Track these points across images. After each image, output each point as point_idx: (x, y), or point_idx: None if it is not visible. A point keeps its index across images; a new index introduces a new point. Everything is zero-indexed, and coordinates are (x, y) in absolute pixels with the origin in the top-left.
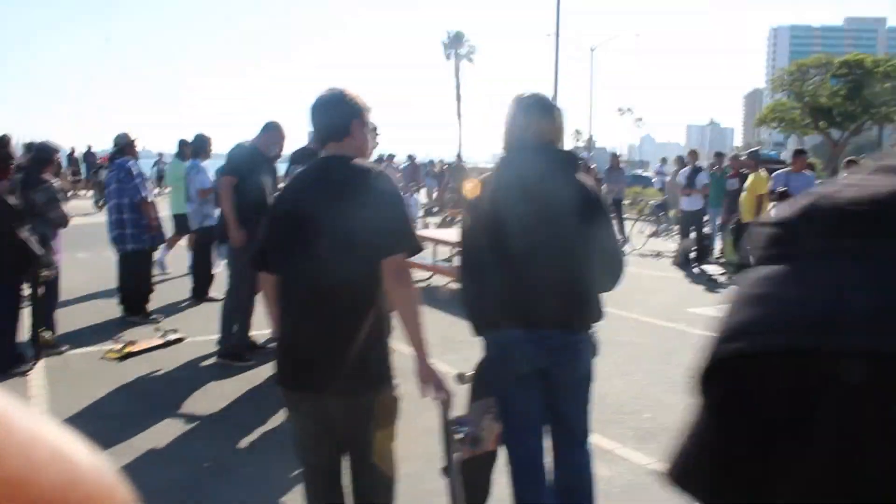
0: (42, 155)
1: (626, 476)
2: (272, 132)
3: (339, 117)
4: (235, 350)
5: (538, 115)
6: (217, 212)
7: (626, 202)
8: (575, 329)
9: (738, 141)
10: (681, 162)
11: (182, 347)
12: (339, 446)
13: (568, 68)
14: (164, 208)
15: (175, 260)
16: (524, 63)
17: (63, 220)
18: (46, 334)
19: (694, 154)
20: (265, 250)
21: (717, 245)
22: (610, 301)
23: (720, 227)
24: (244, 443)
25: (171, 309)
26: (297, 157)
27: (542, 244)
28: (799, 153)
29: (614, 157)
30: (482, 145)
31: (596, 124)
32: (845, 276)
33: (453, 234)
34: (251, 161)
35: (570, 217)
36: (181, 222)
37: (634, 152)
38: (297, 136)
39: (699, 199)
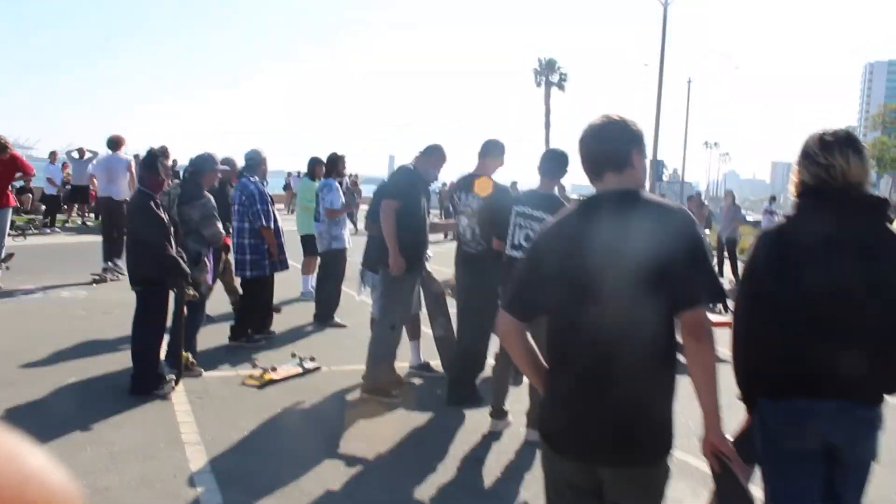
0: (198, 168)
1: None
2: (434, 155)
3: (620, 144)
4: (385, 386)
5: (851, 154)
6: (345, 233)
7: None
8: (870, 401)
9: None
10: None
11: (319, 377)
12: None
13: (665, 98)
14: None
15: (284, 282)
16: (616, 92)
17: (217, 238)
18: (188, 355)
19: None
20: (529, 295)
21: None
22: None
23: None
24: (428, 491)
25: (296, 334)
26: (466, 183)
27: (847, 295)
28: None
29: (728, 194)
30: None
31: (675, 156)
32: None
33: None
34: (413, 184)
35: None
36: (310, 243)
37: (716, 187)
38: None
39: None
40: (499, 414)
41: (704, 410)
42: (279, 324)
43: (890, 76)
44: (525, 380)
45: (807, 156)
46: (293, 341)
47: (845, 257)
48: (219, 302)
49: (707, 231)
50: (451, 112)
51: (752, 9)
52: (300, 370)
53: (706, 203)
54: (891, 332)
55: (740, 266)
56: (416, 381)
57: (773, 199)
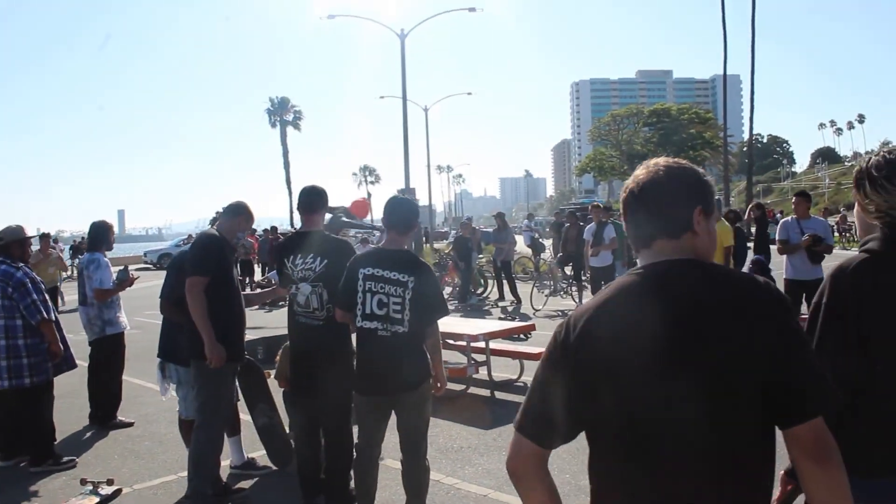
0: None
1: None
2: (240, 216)
3: (679, 207)
4: (214, 497)
5: None
6: (121, 316)
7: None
8: None
9: (550, 190)
10: (573, 217)
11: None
12: None
13: (388, 129)
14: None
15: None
16: (351, 127)
17: None
18: None
19: (598, 210)
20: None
21: None
22: None
23: None
24: None
25: (74, 445)
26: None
27: None
28: (802, 196)
29: (499, 216)
30: None
31: (414, 182)
32: None
33: None
34: (221, 254)
35: None
36: None
37: (453, 208)
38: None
39: (608, 255)
40: None
41: None
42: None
43: (594, 93)
44: None
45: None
46: (76, 454)
47: None
48: None
49: (479, 255)
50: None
51: (482, 35)
52: (96, 500)
53: (476, 228)
54: None
55: (519, 285)
56: (244, 484)
57: (531, 216)
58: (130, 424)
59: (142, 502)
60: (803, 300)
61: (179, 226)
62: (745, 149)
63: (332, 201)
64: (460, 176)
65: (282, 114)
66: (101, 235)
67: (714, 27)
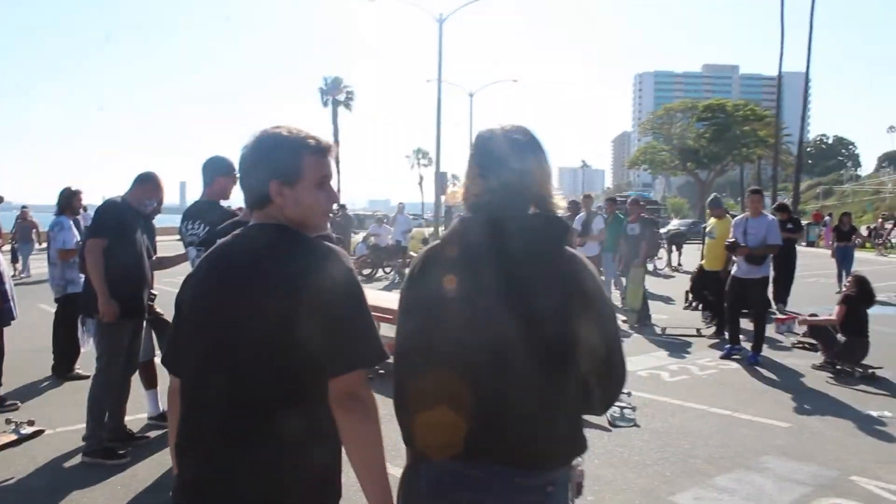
0: None
1: None
2: (147, 184)
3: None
4: (107, 445)
5: (504, 158)
6: (83, 277)
7: None
8: (530, 466)
9: (608, 182)
10: (575, 206)
11: (41, 443)
12: None
13: (447, 114)
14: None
15: (37, 331)
16: (404, 109)
17: None
18: None
19: (588, 199)
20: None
21: (614, 291)
22: None
23: (621, 272)
24: None
25: (28, 391)
26: (194, 212)
27: (485, 347)
28: (755, 192)
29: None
30: (361, 192)
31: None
32: None
33: None
34: (121, 219)
35: (535, 309)
36: None
37: None
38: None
39: (596, 246)
40: None
41: (368, 494)
42: (9, 380)
43: (657, 85)
44: None
45: None
46: (24, 400)
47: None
48: None
49: None
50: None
51: (529, 24)
52: (14, 437)
53: None
54: (546, 387)
55: None
56: (152, 434)
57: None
58: (87, 377)
59: (58, 441)
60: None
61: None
62: (808, 149)
63: (388, 184)
64: None
65: (334, 93)
66: (65, 201)
67: (785, 23)
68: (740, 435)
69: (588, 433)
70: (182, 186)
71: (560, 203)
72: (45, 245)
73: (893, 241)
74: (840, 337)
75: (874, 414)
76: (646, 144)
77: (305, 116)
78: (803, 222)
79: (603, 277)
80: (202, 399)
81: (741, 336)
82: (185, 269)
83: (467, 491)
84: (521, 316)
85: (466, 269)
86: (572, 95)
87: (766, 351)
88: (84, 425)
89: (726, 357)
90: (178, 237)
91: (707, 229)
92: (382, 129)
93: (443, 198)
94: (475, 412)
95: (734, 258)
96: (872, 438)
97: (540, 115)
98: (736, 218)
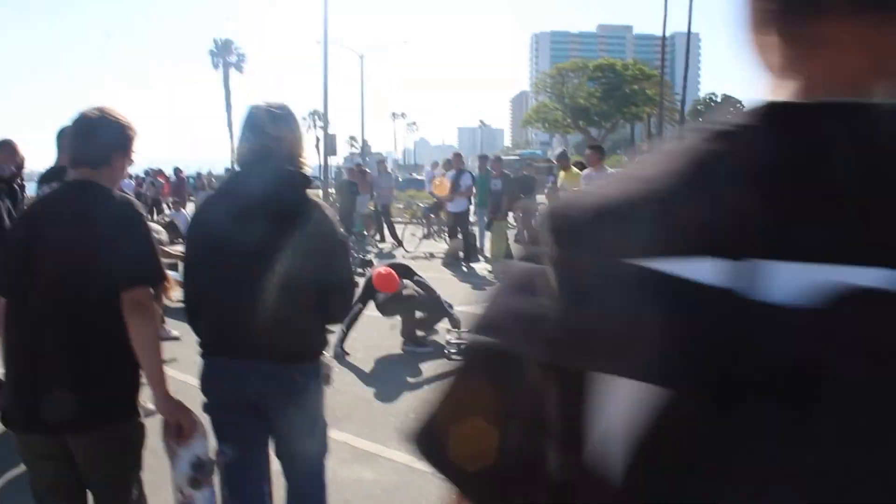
0: None
1: (390, 476)
2: (4, 150)
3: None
4: None
5: (263, 126)
6: None
7: (399, 206)
8: (279, 360)
9: (507, 141)
10: (449, 165)
11: None
12: (82, 490)
13: (340, 75)
14: None
15: None
16: (295, 70)
17: None
18: None
19: (458, 158)
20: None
21: (487, 244)
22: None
23: (487, 225)
24: None
25: None
26: (50, 176)
27: (243, 268)
28: (594, 149)
29: (380, 163)
30: None
31: (371, 130)
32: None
33: None
34: None
35: (278, 241)
36: None
37: (410, 156)
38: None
39: (464, 201)
40: None
41: (150, 380)
42: None
43: (553, 45)
44: None
45: None
46: None
47: (239, 233)
48: None
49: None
50: (130, 96)
51: None
52: None
53: (368, 172)
54: (290, 302)
55: (399, 229)
56: None
57: (434, 164)
58: None
59: None
60: None
61: None
62: (698, 107)
63: None
64: (414, 123)
65: (225, 55)
66: None
67: None
68: None
69: None
70: None
71: (308, 162)
72: None
73: None
74: None
75: None
76: (539, 104)
77: (196, 79)
78: None
79: (476, 229)
80: (31, 318)
81: None
82: None
83: (230, 381)
84: (267, 245)
85: (230, 207)
86: (470, 56)
87: None
88: None
89: None
90: None
91: (558, 183)
92: (276, 92)
93: (331, 158)
94: (233, 319)
95: None
96: None
97: (436, 76)
98: (585, 173)
